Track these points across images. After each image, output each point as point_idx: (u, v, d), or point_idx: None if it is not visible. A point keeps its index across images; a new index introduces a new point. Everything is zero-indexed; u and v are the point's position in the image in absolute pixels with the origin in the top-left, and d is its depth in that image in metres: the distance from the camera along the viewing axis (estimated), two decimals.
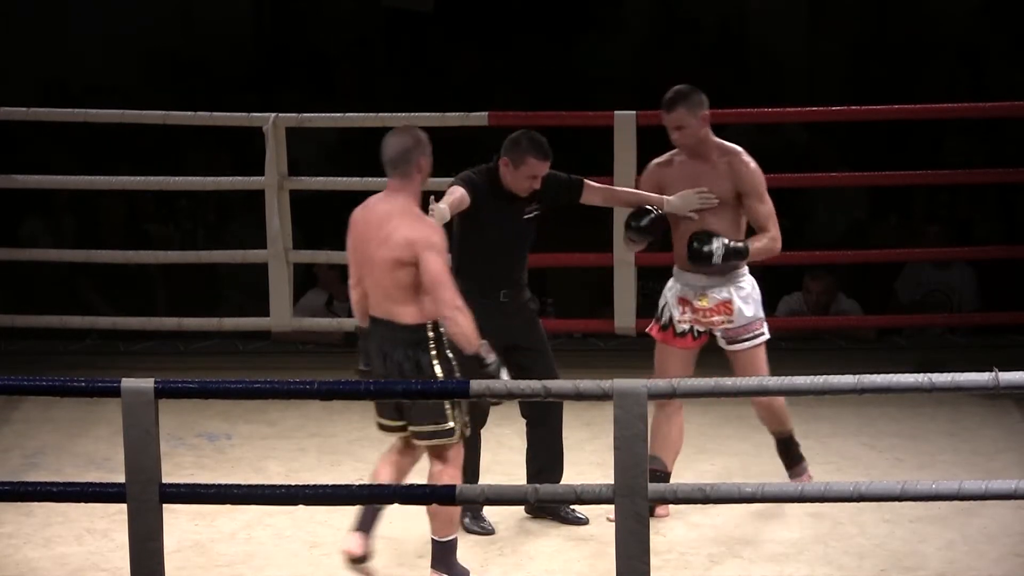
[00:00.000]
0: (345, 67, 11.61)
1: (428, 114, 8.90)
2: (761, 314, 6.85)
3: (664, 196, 6.71)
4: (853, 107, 8.68)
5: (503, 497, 6.06)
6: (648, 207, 6.75)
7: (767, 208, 6.73)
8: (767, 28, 11.82)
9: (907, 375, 5.37)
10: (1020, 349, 9.05)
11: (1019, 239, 9.69)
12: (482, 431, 6.79)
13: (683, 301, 6.83)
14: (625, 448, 5.34)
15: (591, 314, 9.47)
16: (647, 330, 7.00)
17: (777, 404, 6.93)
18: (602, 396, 5.40)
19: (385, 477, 6.11)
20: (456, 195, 6.49)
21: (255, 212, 9.25)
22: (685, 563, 6.35)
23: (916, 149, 10.51)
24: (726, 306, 6.78)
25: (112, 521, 6.65)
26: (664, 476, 6.81)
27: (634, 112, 8.70)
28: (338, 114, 9.16)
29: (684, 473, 7.25)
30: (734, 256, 6.66)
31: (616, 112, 8.73)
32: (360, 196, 10.09)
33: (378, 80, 11.50)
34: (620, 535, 5.40)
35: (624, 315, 8.83)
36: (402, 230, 5.87)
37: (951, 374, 5.36)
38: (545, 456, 6.81)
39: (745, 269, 6.82)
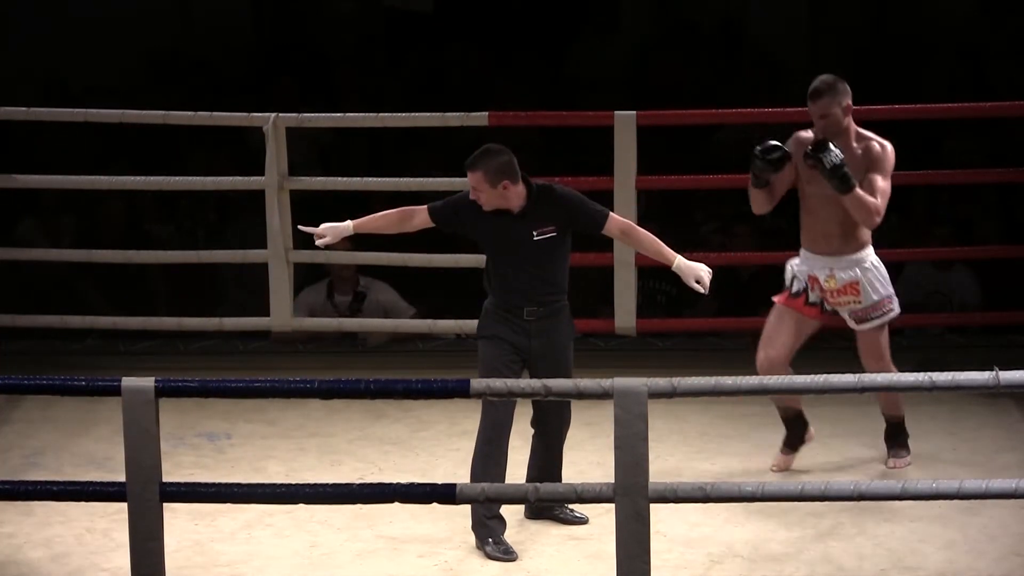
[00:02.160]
0: (345, 67, 11.60)
1: (428, 114, 8.91)
2: (890, 291, 7.06)
3: (678, 258, 6.56)
4: (853, 107, 8.67)
5: (503, 497, 6.07)
6: (778, 143, 6.89)
7: (883, 185, 6.93)
8: (767, 28, 11.81)
9: (908, 374, 5.38)
10: (1020, 349, 9.05)
11: (1019, 239, 9.68)
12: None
13: (812, 279, 7.02)
14: (625, 447, 5.34)
15: (591, 313, 9.46)
16: (774, 298, 7.12)
17: None
18: (603, 395, 5.40)
19: None
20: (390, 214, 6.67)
21: (255, 212, 9.25)
22: (685, 563, 6.35)
23: (916, 149, 10.49)
24: (853, 287, 6.99)
25: (112, 520, 6.64)
26: (798, 414, 7.18)
27: (634, 112, 8.69)
28: (338, 114, 9.16)
29: (684, 473, 7.25)
30: (841, 178, 6.77)
31: (616, 112, 8.72)
32: (360, 196, 10.19)
33: (378, 80, 11.49)
34: (620, 535, 5.40)
35: (624, 315, 8.82)
36: None
37: (952, 373, 5.36)
38: (542, 466, 6.77)
39: (870, 249, 7.01)
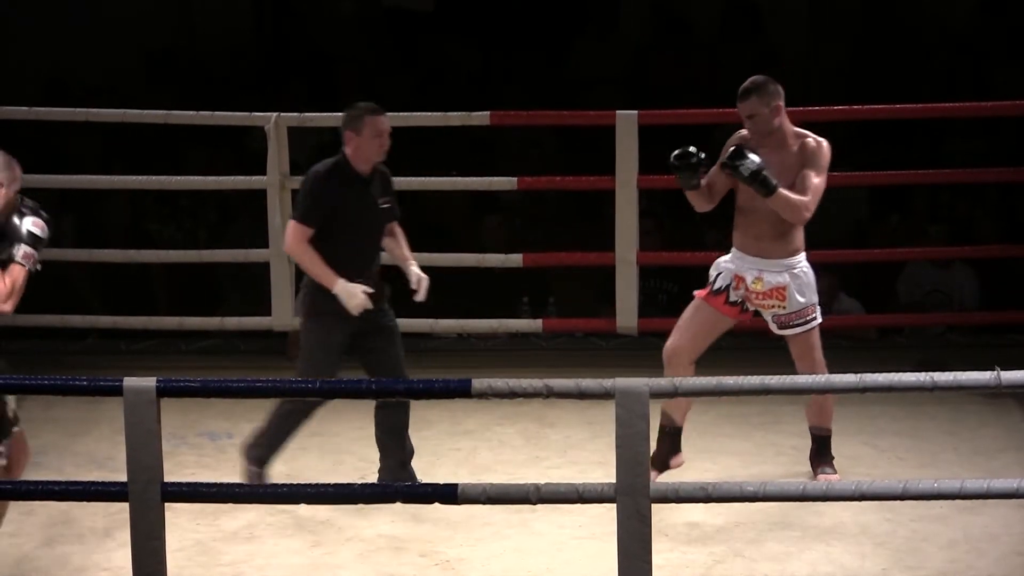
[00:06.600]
0: (346, 67, 11.61)
1: (429, 114, 8.91)
2: (815, 299, 6.94)
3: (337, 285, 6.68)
4: (853, 107, 8.68)
5: (506, 496, 6.06)
6: (691, 149, 6.84)
7: (816, 181, 6.77)
8: (768, 28, 11.82)
9: (909, 374, 5.37)
10: (1021, 348, 9.05)
11: (1019, 239, 9.69)
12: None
13: (738, 279, 6.92)
14: (627, 447, 5.34)
15: (593, 313, 9.47)
16: (694, 292, 7.06)
17: (825, 398, 7.04)
18: (604, 395, 5.40)
19: None
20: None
21: (257, 211, 9.25)
22: (687, 562, 6.35)
23: (916, 149, 10.50)
24: (779, 291, 6.87)
25: (114, 520, 6.65)
26: (676, 431, 7.11)
27: (636, 111, 8.70)
28: (339, 114, 9.14)
29: (686, 472, 7.25)
30: (760, 182, 6.67)
31: (618, 112, 8.73)
32: None
33: (379, 80, 11.50)
34: (622, 534, 5.39)
35: (626, 314, 8.83)
36: None
37: (953, 373, 5.36)
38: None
39: (802, 255, 6.89)
